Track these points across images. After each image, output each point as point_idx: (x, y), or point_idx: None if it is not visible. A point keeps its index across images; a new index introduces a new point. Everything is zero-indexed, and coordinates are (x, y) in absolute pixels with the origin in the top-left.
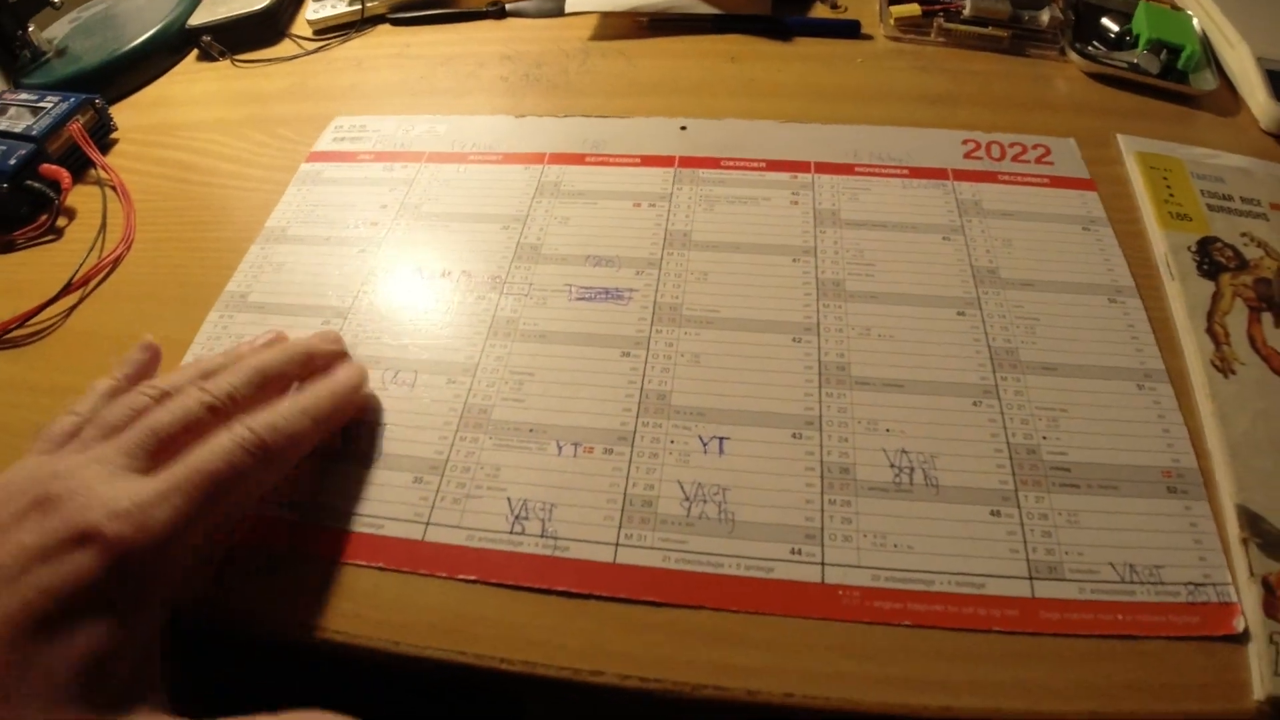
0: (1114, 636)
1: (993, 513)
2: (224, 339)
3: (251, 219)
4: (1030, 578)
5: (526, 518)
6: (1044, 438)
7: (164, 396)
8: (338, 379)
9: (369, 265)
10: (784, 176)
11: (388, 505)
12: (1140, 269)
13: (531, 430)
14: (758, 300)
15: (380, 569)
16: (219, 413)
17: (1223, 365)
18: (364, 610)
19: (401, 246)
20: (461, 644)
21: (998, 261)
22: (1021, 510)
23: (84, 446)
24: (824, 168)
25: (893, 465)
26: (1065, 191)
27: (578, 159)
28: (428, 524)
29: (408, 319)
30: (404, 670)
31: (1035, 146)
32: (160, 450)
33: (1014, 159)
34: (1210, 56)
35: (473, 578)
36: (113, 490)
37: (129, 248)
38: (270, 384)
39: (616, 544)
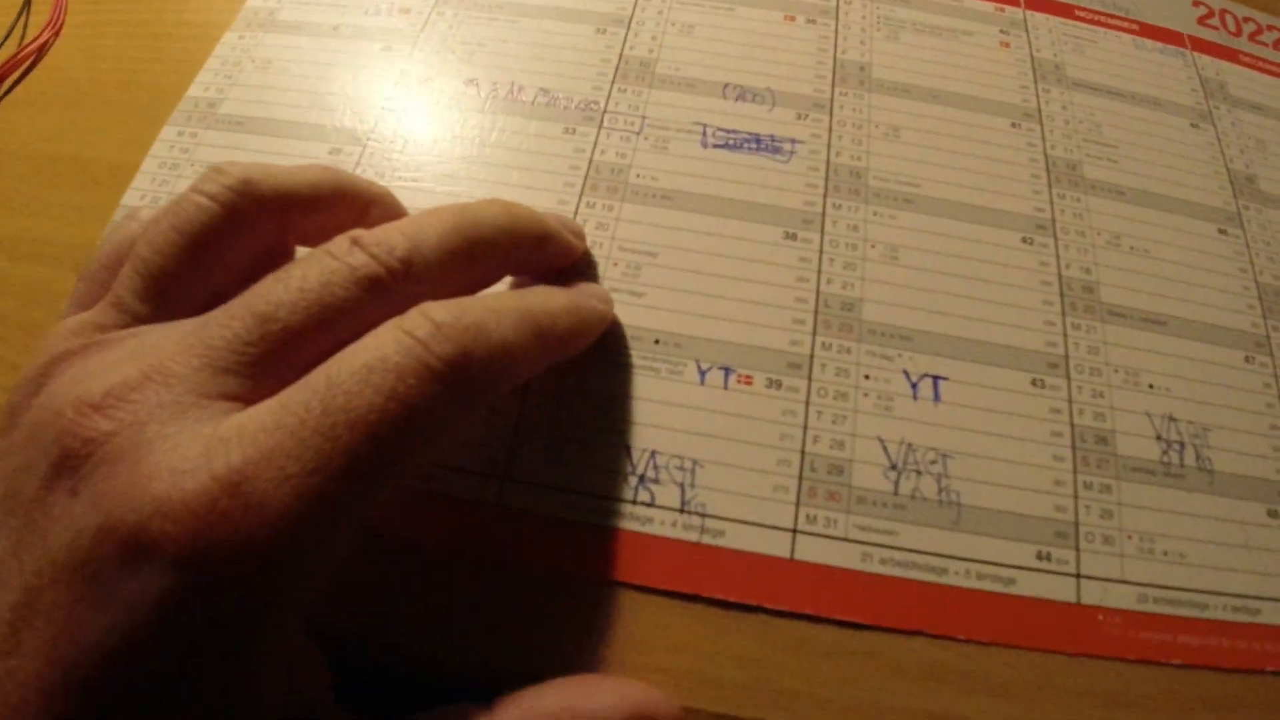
0: None
1: (1270, 512)
2: (185, 166)
3: None
4: None
5: (656, 480)
6: None
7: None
8: (587, 291)
9: (397, 70)
10: (987, 6)
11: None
12: None
13: (658, 342)
14: (971, 176)
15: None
16: (383, 290)
17: None
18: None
19: (445, 46)
20: (555, 669)
21: (1255, 168)
22: None
23: (138, 319)
24: (1036, 2)
25: (1160, 437)
26: None
27: None
28: (504, 479)
29: (456, 155)
30: None
31: (1269, 28)
32: (274, 355)
33: (1250, 37)
34: None
35: (573, 572)
36: (177, 450)
37: (58, 33)
38: (475, 259)
39: (794, 530)
